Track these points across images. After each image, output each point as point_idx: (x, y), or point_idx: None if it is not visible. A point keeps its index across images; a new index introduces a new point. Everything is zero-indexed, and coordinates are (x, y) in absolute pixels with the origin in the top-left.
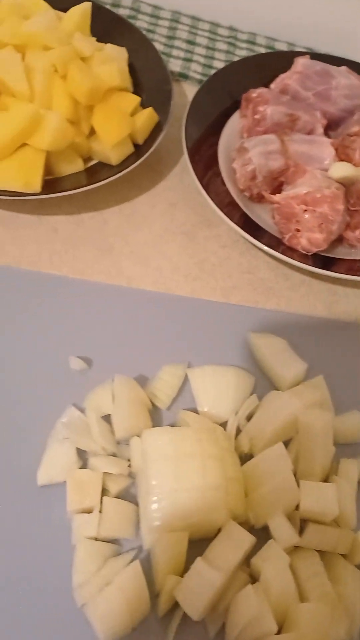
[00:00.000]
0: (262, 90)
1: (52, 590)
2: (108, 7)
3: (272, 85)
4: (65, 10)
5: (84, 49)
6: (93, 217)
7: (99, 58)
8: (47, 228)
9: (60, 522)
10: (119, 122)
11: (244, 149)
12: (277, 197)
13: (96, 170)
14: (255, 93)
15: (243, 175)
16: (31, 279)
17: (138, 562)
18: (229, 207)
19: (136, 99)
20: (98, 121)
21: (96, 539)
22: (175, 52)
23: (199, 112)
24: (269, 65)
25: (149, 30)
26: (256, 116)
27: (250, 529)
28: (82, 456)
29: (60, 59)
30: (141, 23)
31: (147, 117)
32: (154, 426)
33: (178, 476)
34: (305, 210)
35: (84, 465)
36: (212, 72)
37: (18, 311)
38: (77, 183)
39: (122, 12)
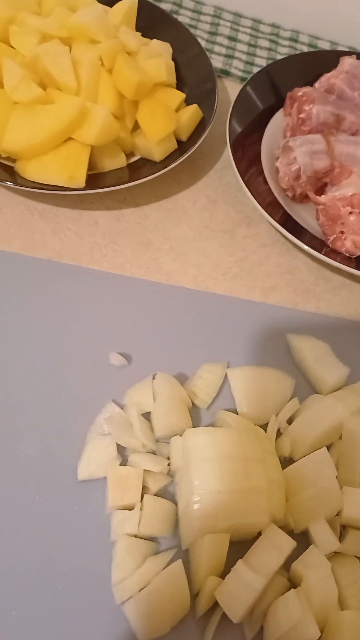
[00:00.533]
0: (307, 89)
1: (90, 586)
2: (152, 1)
3: (317, 85)
4: (108, 4)
5: (130, 44)
6: (133, 212)
7: (145, 53)
8: (88, 221)
9: (99, 517)
10: (165, 119)
11: (288, 148)
12: (322, 198)
13: (139, 166)
14: (300, 92)
15: (287, 174)
16: (73, 273)
17: (180, 562)
18: (271, 206)
19: (181, 96)
20: (144, 117)
21: (135, 536)
22: (217, 49)
23: (242, 110)
24: (313, 64)
25: (190, 26)
26: (301, 115)
27: (289, 532)
28: (122, 452)
29: (108, 53)
30: (183, 18)
31: (191, 113)
32: (193, 425)
33: (221, 478)
34: (351, 213)
35: (123, 462)
36: (254, 69)
37: (59, 305)
38: (119, 179)
39: (165, 6)
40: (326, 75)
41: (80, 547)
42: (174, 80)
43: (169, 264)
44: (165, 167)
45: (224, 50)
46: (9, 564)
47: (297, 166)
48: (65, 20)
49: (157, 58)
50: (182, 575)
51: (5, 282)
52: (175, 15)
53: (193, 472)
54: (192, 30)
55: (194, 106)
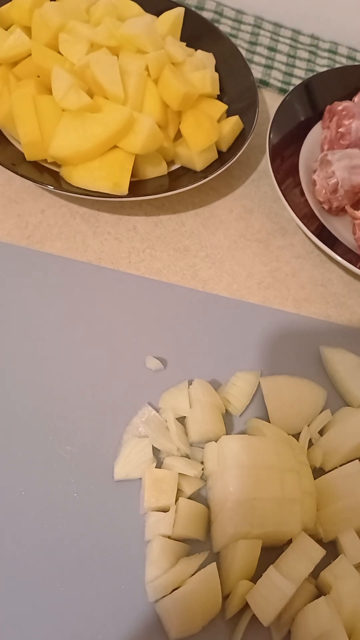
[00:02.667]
0: (347, 103)
1: (124, 582)
2: (195, 10)
3: (356, 99)
4: (154, 12)
5: (177, 55)
6: (171, 218)
7: (190, 64)
8: (127, 226)
9: (134, 516)
10: (208, 130)
11: (327, 161)
12: None
13: (179, 175)
14: (340, 106)
15: (324, 187)
16: (112, 277)
17: (215, 565)
18: (307, 217)
19: (223, 107)
20: (187, 127)
21: (169, 537)
22: (256, 59)
23: (282, 121)
24: (353, 77)
25: (231, 35)
26: (340, 129)
27: (318, 541)
28: (156, 455)
29: (155, 64)
30: (224, 27)
31: (233, 125)
32: (226, 431)
33: (257, 485)
34: None
35: (158, 464)
36: (293, 80)
37: (98, 308)
38: (160, 187)
39: (206, 14)
40: None
41: (115, 545)
42: (217, 92)
43: (204, 271)
44: (206, 177)
45: (263, 61)
46: (47, 558)
47: (335, 180)
48: (114, 30)
49: (202, 70)
50: (216, 578)
51: (48, 284)
52: (216, 24)
53: (228, 478)
54: (232, 40)
55: (236, 118)
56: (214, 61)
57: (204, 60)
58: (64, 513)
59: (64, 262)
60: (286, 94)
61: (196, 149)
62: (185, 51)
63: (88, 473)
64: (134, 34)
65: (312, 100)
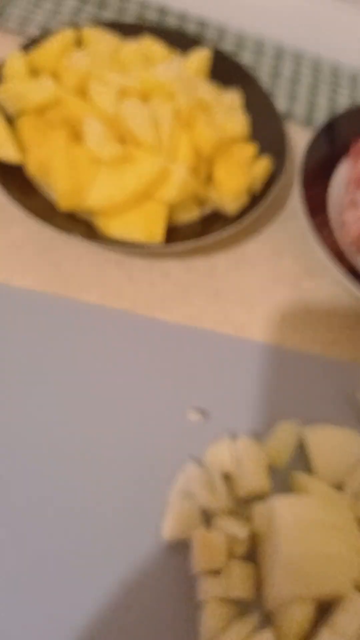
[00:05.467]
0: None
1: None
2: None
3: None
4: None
5: (207, 98)
6: (202, 261)
7: (220, 106)
8: (160, 272)
9: (183, 577)
10: (240, 174)
11: (357, 202)
12: None
13: (212, 219)
14: None
15: (354, 229)
16: (147, 325)
17: (271, 634)
18: (337, 258)
19: (253, 149)
20: (220, 173)
21: (221, 599)
22: (277, 91)
23: (311, 160)
24: None
25: (252, 66)
26: None
27: None
28: (205, 513)
29: (186, 109)
30: (245, 59)
31: (264, 168)
32: (272, 485)
33: (307, 546)
34: None
35: (206, 522)
36: (315, 111)
37: (134, 358)
38: (194, 233)
39: (227, 46)
40: None
41: (165, 607)
42: (247, 135)
43: (238, 315)
44: (240, 224)
45: (286, 92)
46: (95, 622)
47: None
48: (144, 76)
49: (233, 114)
50: None
51: (86, 335)
52: (237, 56)
53: (278, 539)
54: (253, 71)
55: (267, 161)
56: (239, 101)
57: (233, 101)
58: (109, 575)
59: (101, 311)
60: (314, 131)
61: (229, 195)
62: (215, 94)
63: (134, 532)
64: (165, 80)
65: (339, 136)
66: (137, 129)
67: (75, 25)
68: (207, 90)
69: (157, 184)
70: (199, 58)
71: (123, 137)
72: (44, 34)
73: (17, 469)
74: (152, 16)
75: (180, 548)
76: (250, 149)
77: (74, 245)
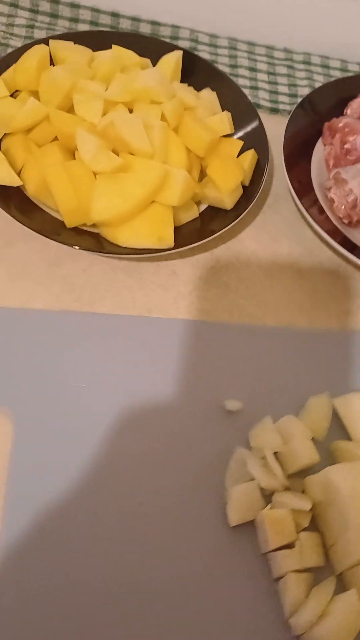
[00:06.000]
0: (348, 120)
1: (258, 626)
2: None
3: (348, 111)
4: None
5: (189, 100)
6: (205, 257)
7: (201, 107)
8: (167, 272)
9: (252, 558)
10: (234, 169)
11: (342, 180)
12: None
13: (211, 215)
14: (341, 123)
15: (343, 204)
16: (166, 327)
17: (354, 591)
18: (331, 233)
19: (240, 143)
20: (214, 170)
21: (297, 571)
22: (241, 81)
23: (291, 143)
24: (346, 89)
25: (212, 61)
26: (346, 146)
27: None
28: (262, 493)
29: (172, 113)
30: (202, 54)
31: (251, 159)
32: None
33: None
34: None
35: (266, 502)
36: (279, 97)
37: (160, 360)
38: (196, 230)
39: (182, 43)
40: (356, 101)
41: (241, 588)
42: (233, 131)
43: (249, 304)
44: (238, 216)
45: (247, 82)
46: (170, 614)
47: (354, 196)
48: (127, 85)
49: (217, 112)
50: (357, 603)
51: (107, 346)
52: (194, 52)
53: (344, 505)
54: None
55: (252, 152)
56: (217, 98)
57: (211, 99)
58: (180, 566)
59: (118, 320)
60: (290, 115)
61: (226, 190)
62: (194, 94)
63: (200, 523)
64: (147, 87)
65: (311, 118)
66: (131, 138)
67: (30, 39)
68: (187, 92)
69: (159, 188)
70: (172, 60)
71: (116, 148)
72: (14, 53)
73: (86, 475)
74: (105, 21)
75: (245, 531)
76: (236, 144)
77: (79, 258)
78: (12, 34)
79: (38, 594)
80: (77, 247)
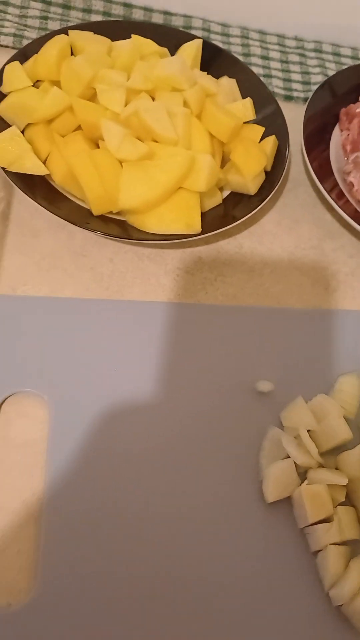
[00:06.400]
0: None
1: (297, 596)
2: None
3: None
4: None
5: (210, 87)
6: (229, 242)
7: (222, 93)
8: (192, 258)
9: (289, 533)
10: (257, 155)
11: (358, 164)
12: None
13: (235, 201)
14: (358, 108)
15: None
16: (195, 311)
17: None
18: (354, 216)
19: (261, 129)
20: (238, 156)
21: (335, 544)
22: (254, 70)
23: (310, 129)
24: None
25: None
26: None
27: None
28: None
29: (194, 100)
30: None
31: (272, 144)
32: None
33: None
34: None
35: (301, 480)
36: (292, 85)
37: (192, 345)
38: (220, 216)
39: (195, 33)
40: None
41: (279, 563)
42: (254, 117)
43: (273, 287)
44: (262, 200)
45: (261, 71)
46: (209, 592)
47: None
48: (149, 73)
49: (241, 100)
50: None
51: (139, 331)
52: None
53: None
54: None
55: (273, 138)
56: (236, 85)
57: (231, 87)
58: (219, 545)
59: (147, 307)
60: (307, 102)
61: (250, 176)
62: (215, 82)
63: (237, 501)
64: (169, 74)
65: (328, 104)
66: (156, 126)
67: (44, 30)
68: (208, 80)
69: (186, 175)
70: (192, 49)
71: (140, 136)
72: (33, 44)
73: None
74: (118, 11)
75: (281, 507)
76: (258, 130)
77: (104, 247)
78: (26, 25)
79: (84, 578)
80: (107, 236)
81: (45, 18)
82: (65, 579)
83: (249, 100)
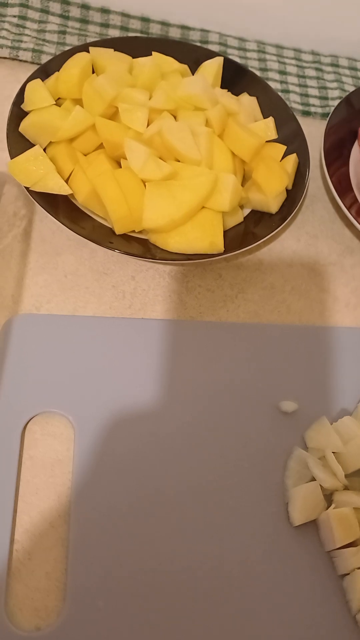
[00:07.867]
0: None
1: (321, 622)
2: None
3: None
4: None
5: (232, 106)
6: (249, 259)
7: (244, 113)
8: (213, 275)
9: (316, 555)
10: (279, 173)
11: None
12: None
13: (255, 219)
14: None
15: None
16: (218, 330)
17: None
18: None
19: (283, 148)
20: (260, 175)
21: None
22: (272, 85)
23: (329, 145)
24: None
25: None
26: None
27: None
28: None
29: (216, 119)
30: (231, 57)
31: (293, 163)
32: None
33: None
34: None
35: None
36: (310, 100)
37: (215, 364)
38: (241, 234)
39: (212, 47)
40: None
41: (305, 586)
42: (276, 136)
43: (295, 304)
44: (284, 219)
45: (279, 86)
46: (235, 612)
47: None
48: (172, 93)
49: (263, 119)
50: None
51: (162, 351)
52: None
53: None
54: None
55: (294, 156)
56: (257, 103)
57: (252, 105)
58: (245, 568)
59: (171, 325)
60: (328, 117)
61: (272, 194)
62: (236, 100)
63: (262, 523)
64: (192, 94)
65: (347, 120)
66: (180, 145)
67: (63, 44)
68: (229, 98)
69: (210, 194)
70: (213, 67)
71: (163, 156)
72: (55, 60)
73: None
74: (135, 25)
75: (307, 530)
76: (279, 149)
77: (125, 265)
78: (44, 40)
79: (113, 599)
80: (132, 256)
81: (64, 32)
82: (95, 600)
83: (270, 119)
